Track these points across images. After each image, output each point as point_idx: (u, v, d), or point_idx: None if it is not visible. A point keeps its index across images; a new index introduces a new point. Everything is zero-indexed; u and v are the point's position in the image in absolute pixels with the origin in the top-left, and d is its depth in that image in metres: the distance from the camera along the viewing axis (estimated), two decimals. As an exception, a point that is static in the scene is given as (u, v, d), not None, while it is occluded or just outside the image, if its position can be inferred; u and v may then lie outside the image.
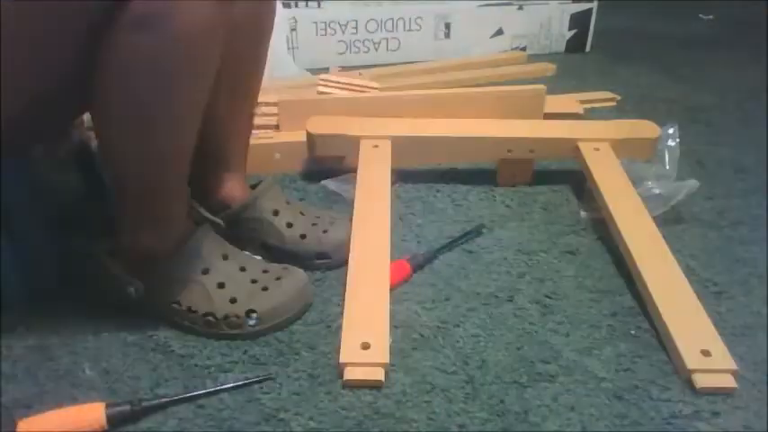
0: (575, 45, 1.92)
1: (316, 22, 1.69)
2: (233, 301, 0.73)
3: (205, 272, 0.74)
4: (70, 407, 0.62)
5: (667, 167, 1.04)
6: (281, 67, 1.51)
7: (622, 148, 1.05)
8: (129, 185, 0.70)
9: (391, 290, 0.79)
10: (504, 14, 1.82)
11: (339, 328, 0.72)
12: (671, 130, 1.07)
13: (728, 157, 1.23)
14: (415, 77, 1.59)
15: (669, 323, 0.73)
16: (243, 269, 0.76)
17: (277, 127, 1.17)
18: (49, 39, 0.60)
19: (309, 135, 1.05)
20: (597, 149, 1.04)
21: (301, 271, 0.79)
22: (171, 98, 0.63)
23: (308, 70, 1.59)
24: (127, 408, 0.62)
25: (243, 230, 0.85)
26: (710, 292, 0.83)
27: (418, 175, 1.11)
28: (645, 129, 1.09)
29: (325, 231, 0.86)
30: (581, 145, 1.05)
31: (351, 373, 0.67)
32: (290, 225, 0.86)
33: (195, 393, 0.66)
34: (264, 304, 0.74)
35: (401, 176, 1.08)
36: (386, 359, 0.68)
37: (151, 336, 0.74)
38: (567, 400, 0.66)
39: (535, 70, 1.72)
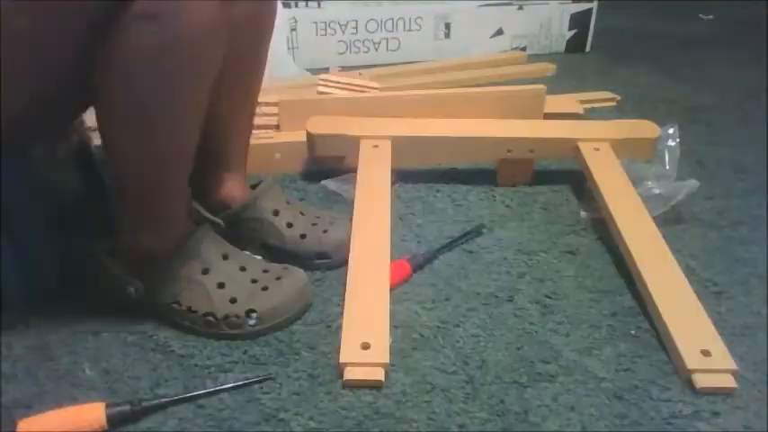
0: (575, 45, 1.92)
1: (316, 22, 1.69)
2: (233, 300, 0.73)
3: (205, 272, 0.74)
4: (70, 407, 0.62)
5: (667, 167, 1.04)
6: (281, 67, 1.51)
7: (622, 148, 1.05)
8: (130, 185, 0.70)
9: (391, 290, 0.79)
10: (504, 14, 1.82)
11: (339, 328, 0.72)
12: (671, 130, 1.07)
13: (728, 157, 1.23)
14: (415, 77, 1.59)
15: (669, 323, 0.73)
16: (243, 269, 0.76)
17: (277, 127, 1.17)
18: (49, 39, 0.60)
19: (309, 135, 1.05)
20: (597, 149, 1.04)
21: (301, 271, 0.79)
22: (173, 98, 0.63)
23: (308, 70, 1.59)
24: (127, 408, 0.62)
25: (243, 230, 0.85)
26: (710, 292, 0.83)
27: (418, 175, 1.11)
28: (645, 129, 1.09)
29: (325, 231, 0.86)
30: (581, 145, 1.05)
31: (351, 373, 0.67)
32: (290, 225, 0.86)
33: (195, 393, 0.65)
34: (264, 304, 0.74)
35: (401, 176, 1.08)
36: (386, 359, 0.68)
37: (151, 336, 0.74)
38: (567, 400, 0.66)
39: (535, 70, 1.72)
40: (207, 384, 0.67)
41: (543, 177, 1.11)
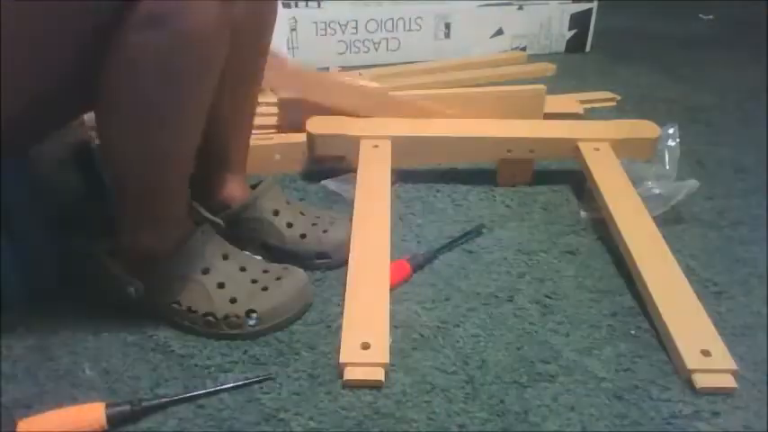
0: (575, 45, 1.92)
1: (316, 22, 1.69)
2: (233, 301, 0.73)
3: (205, 272, 0.74)
4: (70, 407, 0.62)
5: (667, 167, 1.04)
6: (281, 67, 1.51)
7: (622, 148, 1.05)
8: (130, 185, 0.70)
9: (391, 290, 0.79)
10: (504, 14, 1.82)
11: (339, 328, 0.72)
12: (671, 130, 1.07)
13: (728, 157, 1.23)
14: (415, 77, 1.59)
15: (669, 323, 0.73)
16: (243, 269, 0.76)
17: (277, 127, 1.17)
18: (49, 39, 0.60)
19: (309, 135, 1.05)
20: (597, 149, 1.05)
21: (301, 271, 0.79)
22: (180, 98, 0.63)
23: (308, 70, 1.58)
24: (127, 408, 0.62)
25: (243, 230, 0.85)
26: (710, 292, 0.83)
27: (418, 175, 1.11)
28: (645, 129, 1.09)
29: (325, 231, 0.86)
30: (581, 145, 1.05)
31: (351, 373, 0.67)
32: (290, 225, 0.86)
33: (195, 393, 0.66)
34: (264, 304, 0.74)
35: (401, 176, 1.08)
36: (386, 359, 0.68)
37: (151, 336, 0.74)
38: (567, 400, 0.66)
39: (535, 70, 1.72)
40: (207, 384, 0.67)
41: (543, 177, 1.11)
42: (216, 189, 0.87)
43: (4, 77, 0.60)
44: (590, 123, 1.17)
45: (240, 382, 0.67)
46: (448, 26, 1.79)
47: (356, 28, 1.73)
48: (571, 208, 1.03)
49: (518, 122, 1.12)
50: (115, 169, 0.70)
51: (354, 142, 1.04)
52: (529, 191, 1.08)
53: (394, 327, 0.74)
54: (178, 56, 0.60)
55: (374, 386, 0.67)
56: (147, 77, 0.61)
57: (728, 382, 0.67)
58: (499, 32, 1.84)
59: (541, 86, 1.20)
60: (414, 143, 1.07)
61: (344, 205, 0.98)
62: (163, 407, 0.64)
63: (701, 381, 0.67)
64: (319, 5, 1.69)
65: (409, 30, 1.77)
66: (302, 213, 0.88)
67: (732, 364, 0.68)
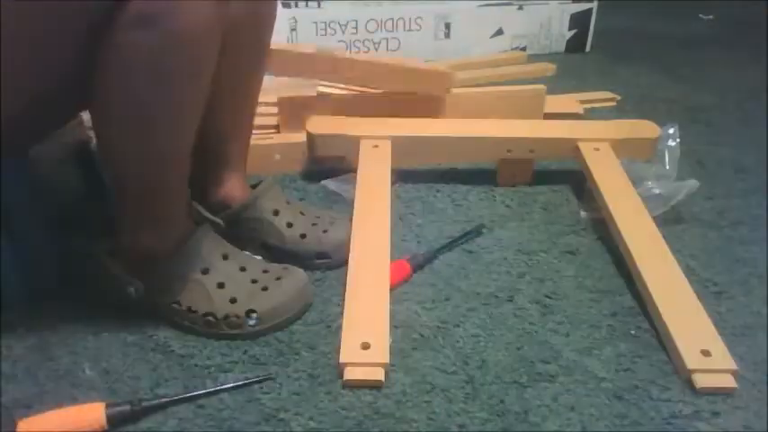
0: (575, 45, 1.92)
1: (316, 22, 1.69)
2: (233, 301, 0.73)
3: (205, 272, 0.74)
4: (70, 407, 0.62)
5: (667, 167, 1.04)
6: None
7: (622, 148, 1.05)
8: (129, 185, 0.70)
9: (391, 290, 0.79)
10: (504, 14, 1.82)
11: (339, 328, 0.72)
12: (671, 130, 1.07)
13: (728, 157, 1.23)
14: (415, 77, 1.59)
15: (669, 323, 0.73)
16: (243, 269, 0.76)
17: (277, 127, 1.17)
18: (49, 39, 0.60)
19: (309, 135, 1.05)
20: (597, 149, 1.04)
21: (301, 271, 0.79)
22: (172, 98, 0.63)
23: (308, 70, 1.58)
24: (127, 408, 0.62)
25: (243, 230, 0.85)
26: (710, 292, 0.83)
27: (418, 175, 1.11)
28: (645, 129, 1.09)
29: (325, 231, 0.86)
30: (581, 145, 1.05)
31: (351, 373, 0.67)
32: (290, 225, 0.86)
33: (195, 393, 0.65)
34: (264, 304, 0.74)
35: (401, 176, 1.08)
36: (386, 359, 0.68)
37: (151, 336, 0.74)
38: (567, 400, 0.66)
39: (535, 70, 1.72)
40: (207, 384, 0.67)
41: (543, 177, 1.11)
42: (216, 189, 0.87)
43: (4, 77, 0.60)
44: (590, 123, 1.17)
45: (240, 382, 0.67)
46: (448, 26, 1.79)
47: (356, 28, 1.73)
48: (571, 208, 1.03)
49: (518, 122, 1.12)
50: (113, 169, 0.70)
51: (354, 142, 1.04)
52: (529, 191, 1.08)
53: (394, 327, 0.74)
54: (169, 56, 0.60)
55: (374, 386, 0.67)
56: (138, 77, 0.61)
57: (728, 382, 0.67)
58: (499, 32, 1.84)
59: (541, 86, 1.21)
60: (414, 143, 1.07)
61: (344, 205, 0.98)
62: (163, 407, 0.64)
63: (701, 381, 0.67)
64: (319, 5, 1.69)
65: (409, 30, 1.77)
66: (302, 213, 0.89)
67: (732, 364, 0.68)
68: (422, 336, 0.75)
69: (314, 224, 0.87)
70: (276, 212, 0.86)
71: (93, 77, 0.62)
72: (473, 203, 1.04)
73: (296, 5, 1.68)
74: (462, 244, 0.92)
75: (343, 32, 1.72)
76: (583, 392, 0.67)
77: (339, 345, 0.69)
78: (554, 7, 1.86)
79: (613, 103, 1.50)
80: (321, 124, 1.06)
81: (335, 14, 1.70)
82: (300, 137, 1.08)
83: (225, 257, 0.76)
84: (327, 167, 1.08)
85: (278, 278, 0.76)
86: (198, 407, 0.65)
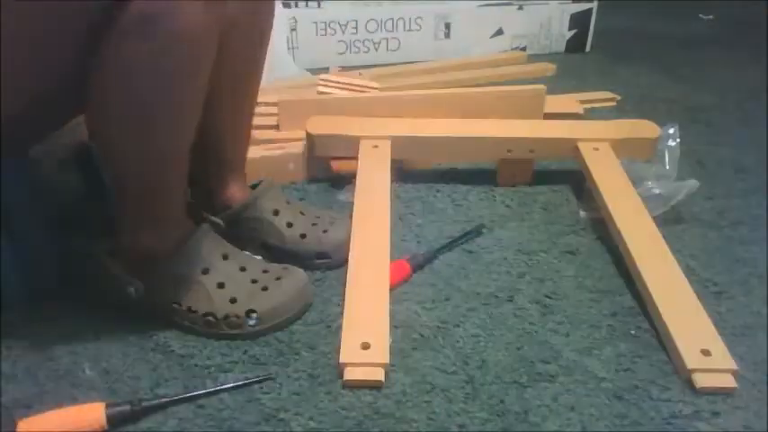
0: (575, 45, 1.92)
1: (316, 22, 1.69)
2: (233, 301, 0.73)
3: (205, 272, 0.74)
4: (70, 407, 0.62)
5: (667, 167, 1.04)
6: (281, 67, 1.51)
7: (622, 148, 1.05)
8: (129, 185, 0.70)
9: (391, 290, 0.79)
10: (504, 14, 1.82)
11: (339, 328, 0.72)
12: (671, 130, 1.07)
13: (728, 157, 1.23)
14: (415, 77, 1.59)
15: (669, 323, 0.73)
16: (243, 269, 0.76)
17: (277, 127, 1.17)
18: (49, 39, 0.60)
19: (309, 135, 1.05)
20: (597, 149, 1.05)
21: (301, 271, 0.79)
22: (171, 98, 0.63)
23: (308, 70, 1.58)
24: (127, 408, 0.62)
25: (243, 230, 0.85)
26: (710, 292, 0.83)
27: (418, 175, 1.11)
28: (645, 129, 1.09)
29: (325, 231, 0.86)
30: (581, 145, 1.05)
31: (351, 373, 0.67)
32: (290, 225, 0.86)
33: (195, 393, 0.65)
34: (264, 304, 0.74)
35: (401, 176, 1.08)
36: (386, 359, 0.68)
37: (151, 336, 0.74)
38: (567, 400, 0.66)
39: (535, 70, 1.72)
40: (207, 384, 0.67)
41: (543, 177, 1.11)
42: (216, 189, 0.87)
43: (4, 77, 0.60)
44: (590, 123, 1.17)
45: (240, 382, 0.67)
46: (448, 26, 1.79)
47: (356, 28, 1.73)
48: (571, 208, 1.03)
49: (518, 122, 1.12)
50: (114, 169, 0.70)
51: (354, 142, 1.04)
52: (529, 191, 1.08)
53: (394, 327, 0.74)
54: (169, 56, 0.60)
55: (374, 386, 0.67)
56: (137, 77, 0.61)
57: (728, 381, 0.67)
58: (499, 32, 1.84)
59: (541, 86, 1.20)
60: (414, 143, 1.07)
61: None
62: (163, 407, 0.64)
63: (701, 380, 0.67)
64: (319, 5, 1.69)
65: (409, 30, 1.77)
66: (302, 213, 0.88)
67: (732, 364, 0.68)
68: (422, 336, 0.75)
69: (314, 224, 0.87)
70: (276, 212, 0.86)
71: (91, 78, 0.62)
72: (473, 203, 1.04)
73: (296, 5, 1.68)
74: (462, 244, 0.92)
75: (343, 32, 1.72)
76: (583, 392, 0.67)
77: (339, 345, 0.69)
78: (554, 7, 1.86)
79: (613, 103, 1.50)
80: (321, 124, 1.06)
81: (335, 14, 1.70)
82: (301, 135, 1.07)
83: (225, 257, 0.76)
84: (334, 176, 1.08)
85: (278, 278, 0.76)
86: (198, 407, 0.65)
